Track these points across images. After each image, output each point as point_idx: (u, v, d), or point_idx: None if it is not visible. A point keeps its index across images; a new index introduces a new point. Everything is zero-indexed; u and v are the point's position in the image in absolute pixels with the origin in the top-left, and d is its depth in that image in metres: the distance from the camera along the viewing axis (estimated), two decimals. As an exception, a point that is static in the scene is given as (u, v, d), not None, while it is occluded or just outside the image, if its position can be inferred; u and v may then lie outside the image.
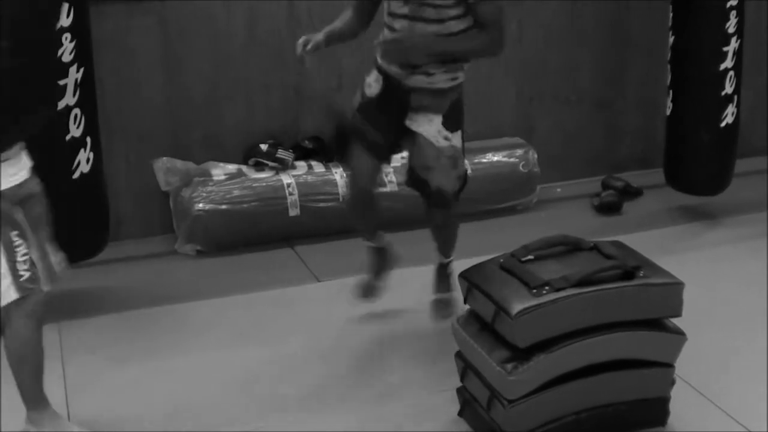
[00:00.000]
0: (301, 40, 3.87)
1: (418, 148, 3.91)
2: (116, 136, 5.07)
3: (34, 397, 3.43)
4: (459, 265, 3.58)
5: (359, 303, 4.27)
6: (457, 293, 3.49)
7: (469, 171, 4.18)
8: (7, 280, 3.18)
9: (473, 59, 3.93)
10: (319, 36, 3.89)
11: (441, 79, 3.84)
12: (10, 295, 3.20)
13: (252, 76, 5.38)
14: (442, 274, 4.30)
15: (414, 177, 4.02)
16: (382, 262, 4.29)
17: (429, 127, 3.86)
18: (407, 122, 3.88)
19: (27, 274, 3.23)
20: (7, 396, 3.50)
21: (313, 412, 3.68)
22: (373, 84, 3.96)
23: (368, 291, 4.30)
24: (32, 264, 3.24)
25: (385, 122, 3.92)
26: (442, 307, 4.22)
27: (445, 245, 4.26)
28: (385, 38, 3.86)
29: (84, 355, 4.08)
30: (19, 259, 3.19)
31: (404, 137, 3.95)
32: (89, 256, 4.50)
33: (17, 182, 3.19)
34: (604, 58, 6.13)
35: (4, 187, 3.12)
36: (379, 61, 3.93)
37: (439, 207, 4.03)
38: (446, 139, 3.87)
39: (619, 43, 6.13)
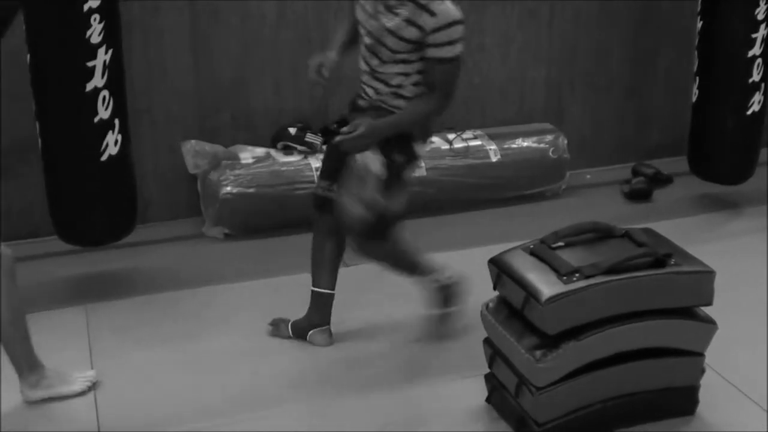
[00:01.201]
0: (313, 64, 3.74)
1: None
2: (144, 118, 5.06)
3: (32, 360, 3.52)
4: (488, 251, 3.55)
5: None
6: (487, 279, 3.46)
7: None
8: None
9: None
10: (332, 55, 3.76)
11: None
12: None
13: (281, 58, 5.36)
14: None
15: None
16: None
17: None
18: None
19: None
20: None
21: (338, 395, 3.67)
22: None
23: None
24: None
25: None
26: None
27: None
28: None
29: (111, 337, 4.09)
30: None
31: None
32: (117, 239, 4.50)
33: None
34: (634, 43, 6.08)
35: None
36: None
37: None
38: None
39: (650, 29, 6.07)
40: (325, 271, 3.98)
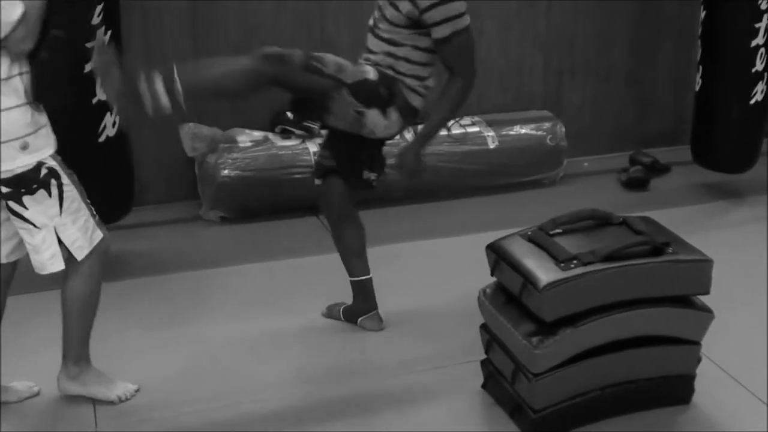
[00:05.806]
0: None
1: None
2: (142, 100, 5.04)
3: (83, 352, 3.46)
4: (486, 238, 3.54)
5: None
6: (484, 265, 3.46)
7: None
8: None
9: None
10: None
11: None
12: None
13: (280, 41, 5.33)
14: None
15: None
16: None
17: None
18: None
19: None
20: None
21: (335, 382, 3.67)
22: None
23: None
24: None
25: None
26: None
27: None
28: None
29: (107, 320, 4.06)
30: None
31: None
32: (114, 220, 4.47)
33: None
34: (635, 31, 6.08)
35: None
36: None
37: None
38: None
39: (651, 17, 6.07)
40: (353, 259, 3.98)
